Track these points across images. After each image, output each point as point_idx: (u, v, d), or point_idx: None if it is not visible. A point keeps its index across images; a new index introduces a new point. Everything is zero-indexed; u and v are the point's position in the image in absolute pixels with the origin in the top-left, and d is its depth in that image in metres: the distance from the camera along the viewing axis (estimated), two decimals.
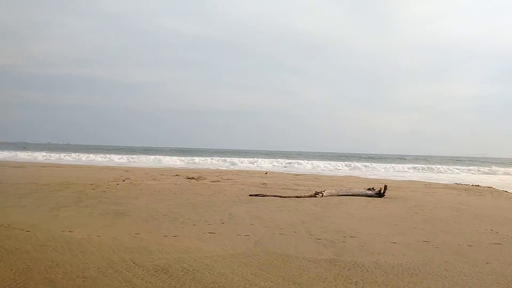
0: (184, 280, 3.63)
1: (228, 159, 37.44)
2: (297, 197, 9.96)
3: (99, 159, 36.74)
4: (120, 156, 37.76)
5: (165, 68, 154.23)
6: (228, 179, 15.13)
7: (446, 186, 15.04)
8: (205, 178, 15.02)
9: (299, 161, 36.04)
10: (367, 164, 33.67)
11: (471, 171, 31.23)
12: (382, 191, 10.74)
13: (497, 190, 13.95)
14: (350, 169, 29.33)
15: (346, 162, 34.20)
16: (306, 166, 31.46)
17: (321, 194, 10.17)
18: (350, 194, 10.73)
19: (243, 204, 8.48)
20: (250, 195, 10.04)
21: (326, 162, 35.57)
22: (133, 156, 37.06)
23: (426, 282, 3.80)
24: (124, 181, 12.99)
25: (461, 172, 30.23)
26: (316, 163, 33.64)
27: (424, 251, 4.97)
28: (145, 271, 3.81)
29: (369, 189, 11.19)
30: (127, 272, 3.79)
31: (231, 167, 30.23)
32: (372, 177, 21.31)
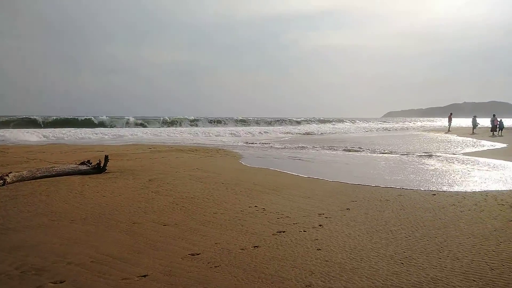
0: None
1: None
2: None
3: None
4: None
5: None
6: None
7: (171, 149, 13.65)
8: None
9: None
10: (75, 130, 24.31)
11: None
12: (102, 164, 7.87)
13: (224, 150, 13.70)
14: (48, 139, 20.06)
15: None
16: None
17: (2, 181, 6.24)
18: (54, 173, 7.23)
19: None
20: None
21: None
22: None
23: None
24: None
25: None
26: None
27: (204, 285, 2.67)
28: None
29: (82, 162, 8.03)
30: None
31: None
32: (77, 143, 17.56)
